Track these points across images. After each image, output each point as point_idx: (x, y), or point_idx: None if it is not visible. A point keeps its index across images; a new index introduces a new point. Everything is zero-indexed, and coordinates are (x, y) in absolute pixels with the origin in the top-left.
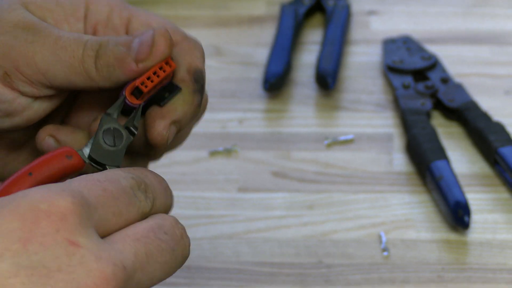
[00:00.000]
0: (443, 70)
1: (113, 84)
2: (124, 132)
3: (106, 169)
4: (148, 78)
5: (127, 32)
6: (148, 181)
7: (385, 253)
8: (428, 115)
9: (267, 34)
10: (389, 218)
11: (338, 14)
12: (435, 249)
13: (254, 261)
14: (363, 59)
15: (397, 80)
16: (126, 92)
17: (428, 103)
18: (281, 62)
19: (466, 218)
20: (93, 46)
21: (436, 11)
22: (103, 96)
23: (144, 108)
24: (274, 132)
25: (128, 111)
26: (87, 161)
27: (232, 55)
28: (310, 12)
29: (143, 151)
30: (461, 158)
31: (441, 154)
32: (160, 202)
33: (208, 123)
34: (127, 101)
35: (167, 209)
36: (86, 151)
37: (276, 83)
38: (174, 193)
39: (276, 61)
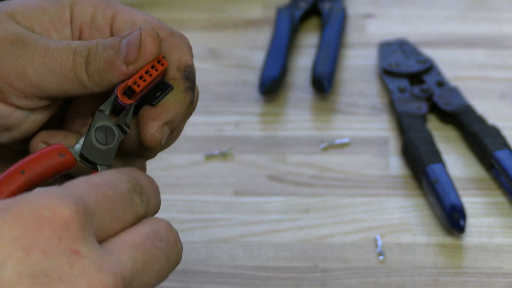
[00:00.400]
0: (438, 73)
1: (105, 88)
2: (116, 130)
3: (97, 167)
4: (141, 78)
5: (111, 31)
6: (142, 183)
7: (381, 257)
8: (423, 118)
9: (263, 37)
10: (385, 222)
11: (334, 17)
12: (431, 253)
13: (249, 265)
14: (359, 62)
15: (393, 84)
16: (118, 91)
17: (423, 107)
18: (277, 65)
19: (461, 222)
20: (82, 52)
21: (432, 14)
22: (96, 100)
23: (136, 106)
24: (270, 136)
25: (119, 110)
26: (78, 159)
27: (228, 58)
28: (306, 16)
29: (136, 151)
30: (456, 162)
31: (437, 157)
32: (152, 203)
33: (204, 126)
34: (119, 101)
35: (157, 209)
36: (78, 148)
37: (272, 86)
38: (170, 196)
39: (272, 64)
